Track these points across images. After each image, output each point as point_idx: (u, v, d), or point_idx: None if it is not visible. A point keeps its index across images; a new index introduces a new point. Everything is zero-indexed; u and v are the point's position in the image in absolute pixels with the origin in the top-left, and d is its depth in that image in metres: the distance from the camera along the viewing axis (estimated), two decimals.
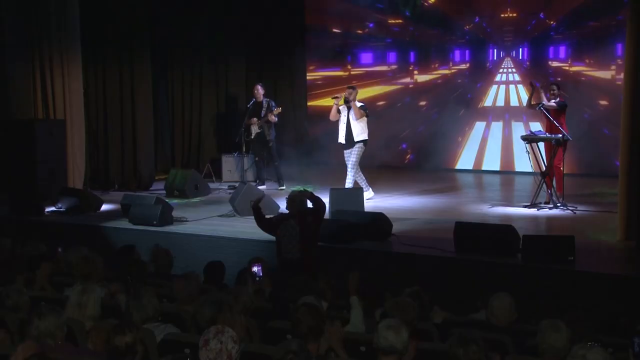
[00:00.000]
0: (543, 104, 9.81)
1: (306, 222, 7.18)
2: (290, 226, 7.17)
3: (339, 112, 10.39)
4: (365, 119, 10.32)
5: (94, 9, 12.20)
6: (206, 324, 4.20)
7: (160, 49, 13.80)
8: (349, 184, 10.32)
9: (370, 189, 10.62)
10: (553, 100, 9.85)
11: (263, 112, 11.87)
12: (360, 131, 10.28)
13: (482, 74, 14.64)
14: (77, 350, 4.28)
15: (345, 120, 10.29)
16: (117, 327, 3.91)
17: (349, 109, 10.30)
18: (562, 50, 14.41)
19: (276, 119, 11.85)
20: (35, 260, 6.36)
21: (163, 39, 13.97)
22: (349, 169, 10.40)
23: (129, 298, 4.82)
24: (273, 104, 11.91)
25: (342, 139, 10.37)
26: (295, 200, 7.32)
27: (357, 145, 10.28)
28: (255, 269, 5.87)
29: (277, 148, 12.07)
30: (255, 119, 11.91)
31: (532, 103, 10.12)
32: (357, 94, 10.53)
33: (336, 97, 10.44)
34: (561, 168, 9.75)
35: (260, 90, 12.02)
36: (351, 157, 10.34)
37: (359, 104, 10.40)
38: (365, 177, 10.56)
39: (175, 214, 9.51)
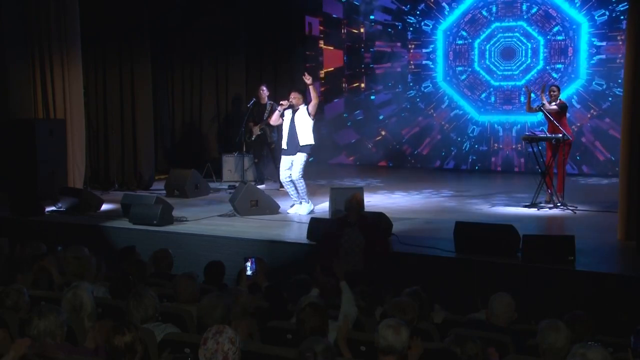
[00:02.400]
0: (544, 105, 9.84)
1: (369, 230, 7.00)
2: (354, 235, 7.00)
3: (282, 116, 9.78)
4: (311, 121, 9.59)
5: (94, 9, 12.21)
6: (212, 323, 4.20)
7: (160, 49, 13.81)
8: (297, 195, 9.68)
9: (307, 204, 9.72)
10: (554, 103, 9.88)
11: (266, 114, 11.85)
12: (305, 134, 9.53)
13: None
14: (77, 350, 4.28)
15: (289, 124, 9.61)
16: (116, 327, 3.91)
17: (294, 112, 9.64)
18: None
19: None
20: (35, 260, 6.36)
21: (163, 38, 13.98)
22: (286, 180, 9.63)
23: (129, 298, 4.81)
24: (276, 106, 11.85)
25: (284, 144, 9.67)
26: (358, 202, 7.16)
27: (298, 156, 9.50)
28: (247, 264, 5.88)
29: (279, 150, 12.04)
30: (256, 126, 11.88)
31: (532, 107, 10.15)
32: (302, 98, 9.72)
33: (281, 104, 9.77)
34: (563, 168, 9.78)
35: (265, 92, 12.01)
36: (293, 169, 9.54)
37: (305, 107, 9.65)
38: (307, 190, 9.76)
39: (175, 213, 9.51)
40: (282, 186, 11.73)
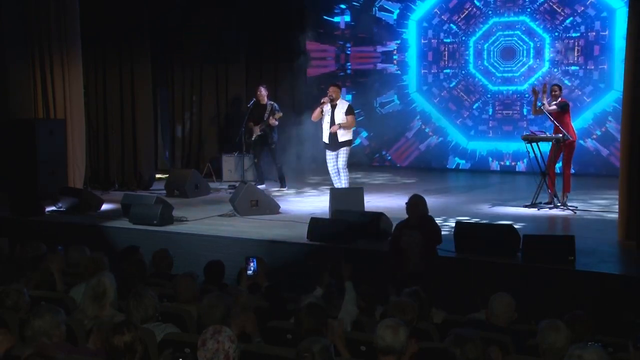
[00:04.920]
0: (544, 105, 9.83)
1: (428, 231, 6.92)
2: (413, 236, 6.93)
3: (322, 112, 10.00)
4: (351, 117, 9.88)
5: (94, 9, 12.21)
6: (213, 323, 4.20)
7: (160, 49, 13.81)
8: (345, 185, 10.10)
9: None
10: (554, 102, 9.84)
11: (266, 115, 11.85)
12: (344, 131, 9.91)
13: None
14: (77, 350, 4.28)
15: (329, 120, 9.91)
16: (116, 326, 3.91)
17: (333, 108, 9.93)
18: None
19: (277, 122, 11.84)
20: (35, 260, 6.36)
21: (163, 38, 13.98)
22: (333, 173, 10.05)
23: (129, 298, 4.81)
24: (277, 107, 11.88)
25: (325, 138, 10.05)
26: (417, 204, 7.08)
27: (342, 150, 9.94)
28: (249, 264, 5.89)
29: (279, 150, 12.06)
30: (256, 126, 11.87)
31: (537, 109, 10.02)
32: (340, 92, 10.06)
33: (323, 102, 9.96)
34: (568, 168, 9.75)
35: (263, 92, 11.97)
36: (338, 161, 9.98)
37: (345, 103, 10.06)
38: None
39: (175, 213, 9.51)
40: (283, 186, 11.81)
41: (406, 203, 7.26)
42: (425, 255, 6.91)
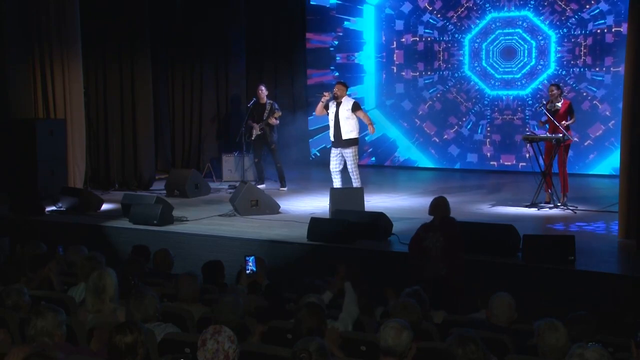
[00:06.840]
0: (544, 104, 9.83)
1: (450, 232, 6.75)
2: (435, 238, 6.74)
3: (326, 108, 9.85)
4: (357, 114, 9.65)
5: (94, 9, 12.22)
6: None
7: (160, 49, 13.81)
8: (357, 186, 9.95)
9: None
10: (557, 104, 9.78)
11: (266, 114, 11.84)
12: (349, 129, 9.67)
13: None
14: (77, 350, 4.28)
15: (334, 117, 9.73)
16: (119, 326, 3.90)
17: (338, 105, 9.75)
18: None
19: (277, 121, 11.84)
20: (35, 260, 6.36)
21: (163, 38, 13.98)
22: (335, 172, 9.84)
23: (130, 298, 4.81)
24: (276, 106, 11.87)
25: (331, 136, 9.88)
26: (439, 205, 6.96)
27: (349, 149, 9.70)
28: (247, 261, 5.88)
29: (279, 149, 12.06)
30: (256, 124, 11.85)
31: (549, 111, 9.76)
32: (346, 89, 9.77)
33: (323, 95, 9.86)
34: (564, 168, 9.76)
35: (264, 91, 11.97)
36: (347, 163, 9.78)
37: (351, 100, 9.80)
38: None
39: (175, 213, 9.51)
40: (283, 186, 11.80)
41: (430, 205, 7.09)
42: (446, 258, 6.70)
